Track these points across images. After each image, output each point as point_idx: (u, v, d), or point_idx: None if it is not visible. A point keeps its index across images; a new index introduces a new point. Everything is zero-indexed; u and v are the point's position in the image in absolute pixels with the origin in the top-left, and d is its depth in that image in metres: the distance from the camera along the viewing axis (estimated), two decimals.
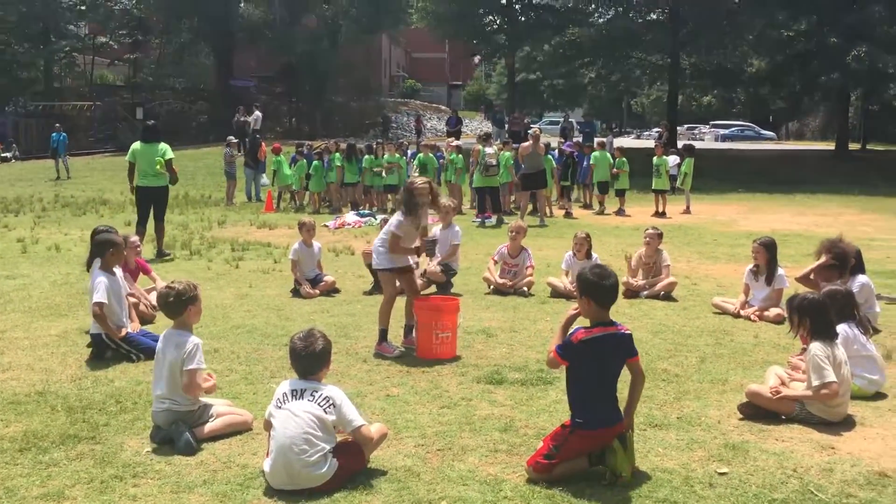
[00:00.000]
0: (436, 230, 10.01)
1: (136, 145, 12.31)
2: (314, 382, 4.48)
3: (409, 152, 21.03)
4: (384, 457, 4.68)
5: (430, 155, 19.99)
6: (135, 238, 9.03)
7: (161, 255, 12.25)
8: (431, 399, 5.76)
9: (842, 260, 7.01)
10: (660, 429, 5.17)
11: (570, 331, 4.46)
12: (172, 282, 5.31)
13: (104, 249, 7.04)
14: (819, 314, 5.44)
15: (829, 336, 5.41)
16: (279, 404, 4.40)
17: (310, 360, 4.50)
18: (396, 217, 7.03)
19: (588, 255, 9.43)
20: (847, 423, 5.30)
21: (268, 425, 4.46)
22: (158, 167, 11.98)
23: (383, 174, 19.67)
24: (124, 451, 4.82)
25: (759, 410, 5.36)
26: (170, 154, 12.10)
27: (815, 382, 5.25)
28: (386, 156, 19.91)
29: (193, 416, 5.00)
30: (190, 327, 5.19)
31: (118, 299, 6.93)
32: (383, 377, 6.29)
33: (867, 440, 5.02)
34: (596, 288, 4.42)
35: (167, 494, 4.22)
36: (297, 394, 4.41)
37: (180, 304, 5.14)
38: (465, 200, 19.69)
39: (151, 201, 12.31)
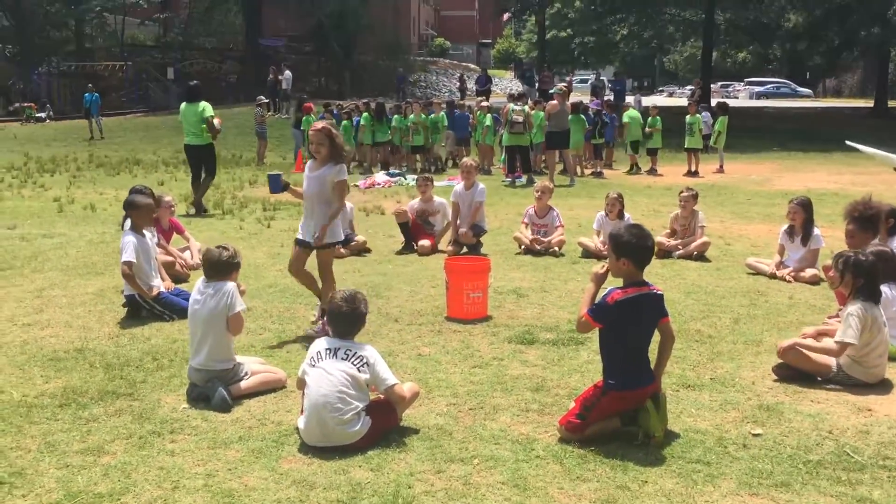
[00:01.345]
0: (458, 188, 9.98)
1: (182, 106, 13.07)
2: (348, 342, 4.51)
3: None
4: (416, 416, 4.72)
5: (442, 114, 19.96)
6: (169, 198, 9.09)
7: (198, 210, 12.70)
8: (463, 359, 5.78)
9: (871, 222, 6.84)
10: (693, 390, 5.15)
11: (603, 292, 4.42)
12: (224, 245, 5.33)
13: (132, 210, 7.12)
14: (872, 276, 5.34)
15: (874, 298, 5.32)
16: (313, 362, 4.44)
17: (351, 321, 4.55)
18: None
19: (620, 216, 9.34)
20: (884, 385, 5.24)
21: (301, 383, 4.51)
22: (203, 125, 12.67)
23: (411, 135, 19.61)
24: (161, 407, 4.90)
25: (794, 372, 5.30)
26: (209, 112, 12.62)
27: (837, 336, 5.20)
28: (412, 116, 19.81)
29: (228, 374, 5.06)
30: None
31: (147, 259, 6.98)
32: (415, 337, 6.32)
33: None
34: (636, 249, 4.36)
35: (204, 450, 4.30)
36: (331, 352, 4.44)
37: (228, 266, 5.20)
38: (496, 160, 19.56)
39: (199, 158, 12.98)
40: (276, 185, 6.51)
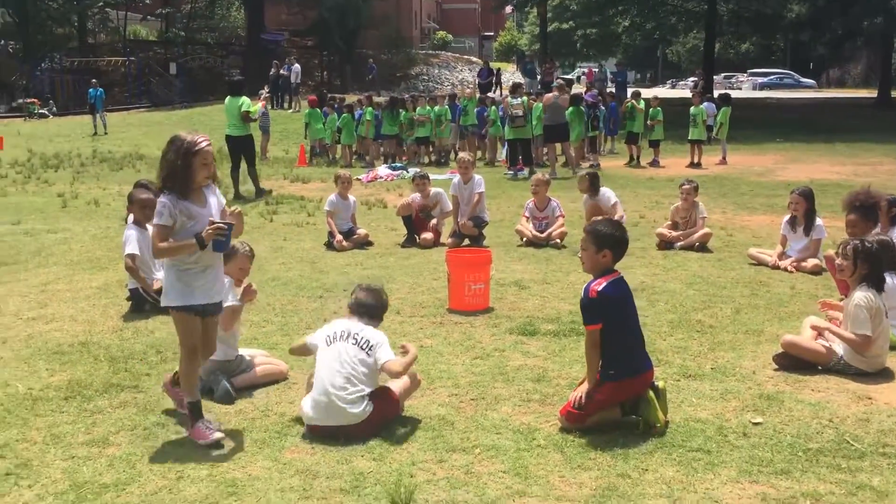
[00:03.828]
0: (456, 182, 10.03)
1: (227, 99, 13.97)
2: (360, 325, 4.60)
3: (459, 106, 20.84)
4: (418, 406, 4.75)
5: (446, 106, 20.01)
6: None
7: (259, 194, 13.71)
8: (465, 350, 5.81)
9: (872, 211, 6.85)
10: (694, 379, 5.17)
11: (584, 288, 4.46)
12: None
13: (133, 204, 7.16)
14: (878, 264, 5.36)
15: (879, 287, 5.33)
16: (329, 341, 4.54)
17: (377, 310, 4.73)
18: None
19: (594, 191, 9.50)
20: (885, 374, 5.25)
21: (302, 349, 4.74)
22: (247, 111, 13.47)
23: (415, 128, 19.67)
24: (166, 399, 4.93)
25: (794, 361, 5.32)
26: (246, 106, 13.44)
27: (852, 329, 5.21)
28: (418, 109, 19.86)
29: (232, 366, 5.10)
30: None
31: (149, 252, 7.00)
32: (416, 328, 6.35)
33: None
34: (619, 241, 4.48)
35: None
36: (346, 335, 4.54)
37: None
38: (499, 154, 19.59)
39: (238, 149, 13.81)
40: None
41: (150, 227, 7.13)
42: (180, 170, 4.21)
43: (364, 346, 4.49)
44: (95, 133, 27.35)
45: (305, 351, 4.73)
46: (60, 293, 7.53)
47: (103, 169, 18.71)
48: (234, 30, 49.24)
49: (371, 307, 4.71)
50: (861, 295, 5.25)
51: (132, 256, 6.81)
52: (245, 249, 5.35)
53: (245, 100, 13.61)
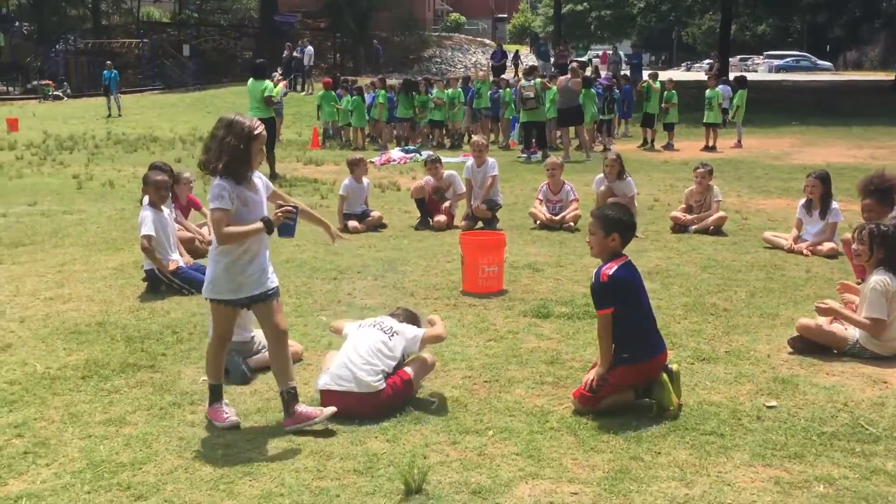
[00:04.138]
0: (469, 165, 10.01)
1: (249, 82, 14.02)
2: (392, 319, 4.79)
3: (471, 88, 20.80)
4: (432, 388, 4.77)
5: (459, 89, 19.96)
6: (188, 174, 9.14)
7: (273, 179, 13.06)
8: (478, 332, 5.82)
9: (888, 195, 6.79)
10: (708, 362, 5.17)
11: (594, 273, 4.47)
12: None
13: (148, 186, 7.19)
14: (894, 246, 5.32)
15: (895, 270, 5.29)
16: (360, 326, 4.75)
17: (414, 319, 4.91)
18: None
19: (620, 176, 9.38)
20: None
21: (338, 328, 4.91)
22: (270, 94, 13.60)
23: (428, 111, 19.71)
24: (182, 379, 4.98)
25: (809, 345, 5.30)
26: (269, 90, 13.56)
27: (864, 313, 5.19)
28: (435, 91, 19.85)
29: (247, 346, 5.13)
30: None
31: (165, 234, 7.07)
32: (430, 311, 6.33)
33: None
34: (627, 225, 4.51)
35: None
36: (373, 324, 4.72)
37: None
38: (512, 135, 19.54)
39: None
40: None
41: (165, 209, 7.22)
42: (242, 154, 4.08)
43: (387, 331, 4.62)
44: (109, 115, 27.44)
45: (338, 331, 4.90)
46: (77, 273, 7.58)
47: (118, 151, 18.79)
48: (247, 11, 49.15)
49: (411, 316, 4.94)
50: (878, 279, 5.22)
51: (148, 237, 6.85)
52: None
53: (269, 83, 13.76)
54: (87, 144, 19.78)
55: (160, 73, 38.43)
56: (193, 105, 29.30)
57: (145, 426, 4.33)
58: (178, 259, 7.08)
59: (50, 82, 34.00)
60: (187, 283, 6.87)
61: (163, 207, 7.22)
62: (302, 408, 4.23)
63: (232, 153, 4.06)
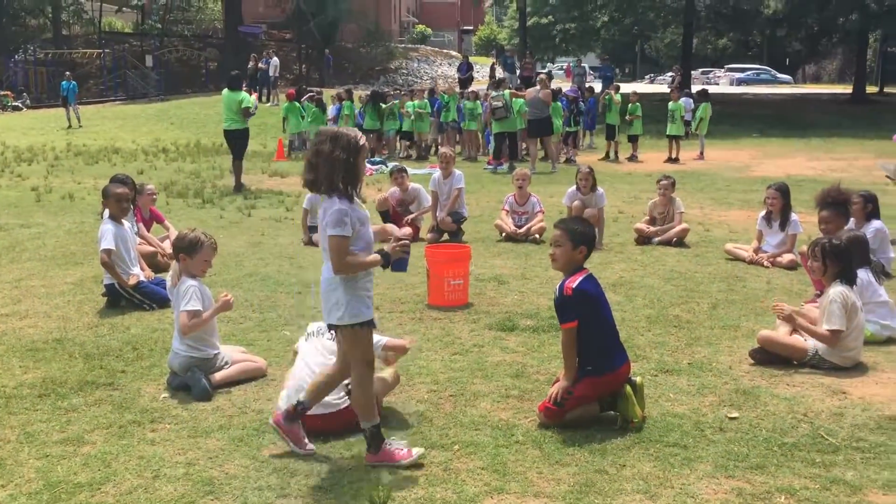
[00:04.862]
0: (436, 177, 10.02)
1: (224, 92, 14.02)
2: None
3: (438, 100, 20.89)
4: (397, 402, 4.74)
5: (425, 100, 20.03)
6: (151, 187, 9.03)
7: (238, 190, 13.83)
8: (444, 346, 5.81)
9: (844, 207, 6.95)
10: (671, 374, 5.20)
11: (557, 287, 4.49)
12: (194, 229, 5.31)
13: (108, 199, 7.07)
14: (849, 260, 5.43)
15: (851, 282, 5.39)
16: (308, 337, 4.65)
17: None
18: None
19: (593, 189, 9.42)
20: (859, 369, 5.31)
21: (294, 354, 4.80)
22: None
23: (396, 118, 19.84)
24: (142, 396, 4.90)
25: (770, 356, 5.37)
26: (247, 102, 13.65)
27: (825, 325, 5.27)
28: (408, 103, 19.89)
29: (209, 362, 5.06)
30: (191, 275, 5.15)
31: (126, 248, 6.96)
32: (395, 324, 6.33)
33: (879, 385, 5.04)
34: (592, 239, 4.57)
35: (184, 439, 4.30)
36: (320, 330, 4.58)
37: (178, 249, 5.18)
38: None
39: (232, 141, 14.00)
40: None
41: (126, 223, 7.11)
42: (352, 168, 3.85)
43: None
44: (69, 126, 27.05)
45: (295, 355, 4.78)
46: (34, 289, 7.43)
47: (78, 162, 18.51)
48: (212, 22, 48.85)
49: None
50: (836, 291, 5.32)
51: (108, 252, 6.74)
52: (210, 241, 5.20)
53: (245, 95, 13.86)
54: (47, 156, 19.46)
55: (122, 84, 37.99)
56: (156, 116, 28.99)
57: (104, 445, 4.24)
58: (139, 273, 6.97)
59: (9, 93, 33.44)
60: (148, 297, 6.77)
61: (124, 221, 7.10)
62: (390, 447, 3.99)
63: (344, 168, 3.83)
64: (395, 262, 4.02)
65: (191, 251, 5.10)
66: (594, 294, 4.46)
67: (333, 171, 3.83)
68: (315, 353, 4.51)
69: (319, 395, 4.17)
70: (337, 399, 4.33)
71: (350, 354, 4.01)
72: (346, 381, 4.36)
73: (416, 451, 4.03)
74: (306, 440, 4.13)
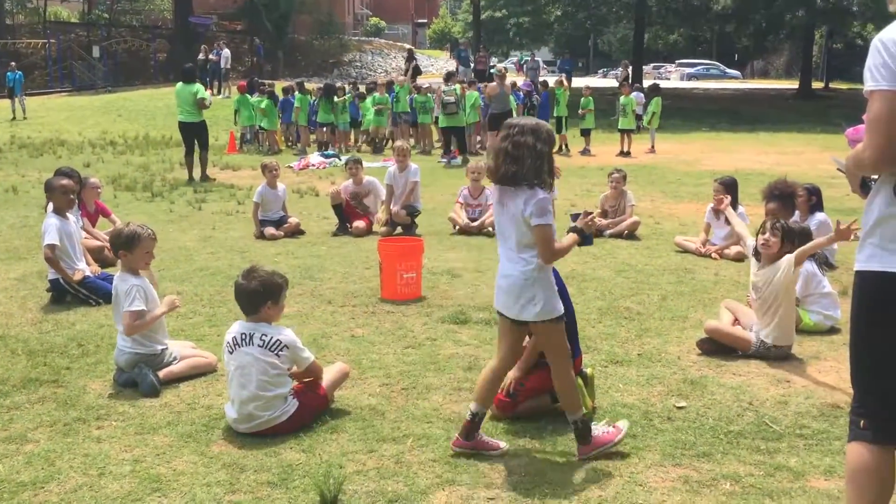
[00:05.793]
0: (391, 170, 10.00)
1: (178, 85, 14.14)
2: (262, 325, 4.33)
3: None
4: (349, 396, 4.72)
5: (386, 94, 19.96)
6: (94, 180, 8.86)
7: (204, 180, 14.06)
8: (396, 339, 5.80)
9: (791, 200, 7.12)
10: (621, 365, 5.26)
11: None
12: (128, 223, 5.22)
13: (51, 192, 6.90)
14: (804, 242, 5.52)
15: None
16: (230, 349, 4.32)
17: (247, 297, 4.34)
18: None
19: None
20: (802, 358, 5.43)
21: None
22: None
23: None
24: (87, 393, 4.80)
25: (717, 346, 5.47)
26: (202, 94, 13.76)
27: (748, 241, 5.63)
28: (375, 96, 19.77)
29: (157, 358, 4.98)
30: (134, 271, 5.04)
31: (71, 242, 6.80)
32: (348, 318, 6.31)
33: (821, 373, 5.16)
34: None
35: (131, 436, 4.23)
36: (245, 338, 4.29)
37: (116, 247, 5.07)
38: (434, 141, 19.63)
39: (191, 134, 14.07)
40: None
41: (71, 217, 6.95)
42: (551, 160, 3.94)
43: (273, 348, 4.25)
44: (14, 118, 26.34)
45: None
46: None
47: (22, 155, 18.06)
48: (161, 13, 47.99)
49: (243, 295, 4.35)
50: (787, 258, 5.36)
51: (51, 247, 6.58)
52: (148, 232, 5.07)
53: (199, 87, 13.89)
54: None
55: (68, 75, 37.12)
56: (103, 108, 28.38)
57: (48, 443, 4.15)
58: (84, 268, 6.82)
59: None
60: (94, 292, 6.64)
61: (69, 215, 6.95)
62: (601, 430, 4.03)
63: (548, 159, 3.91)
64: (587, 235, 4.10)
65: (129, 246, 4.98)
66: (558, 287, 4.45)
67: (542, 163, 3.88)
68: (252, 376, 4.22)
69: (490, 393, 4.09)
70: (281, 410, 4.25)
71: (547, 348, 4.04)
72: (281, 391, 4.26)
73: (622, 423, 4.10)
74: (493, 440, 4.07)
